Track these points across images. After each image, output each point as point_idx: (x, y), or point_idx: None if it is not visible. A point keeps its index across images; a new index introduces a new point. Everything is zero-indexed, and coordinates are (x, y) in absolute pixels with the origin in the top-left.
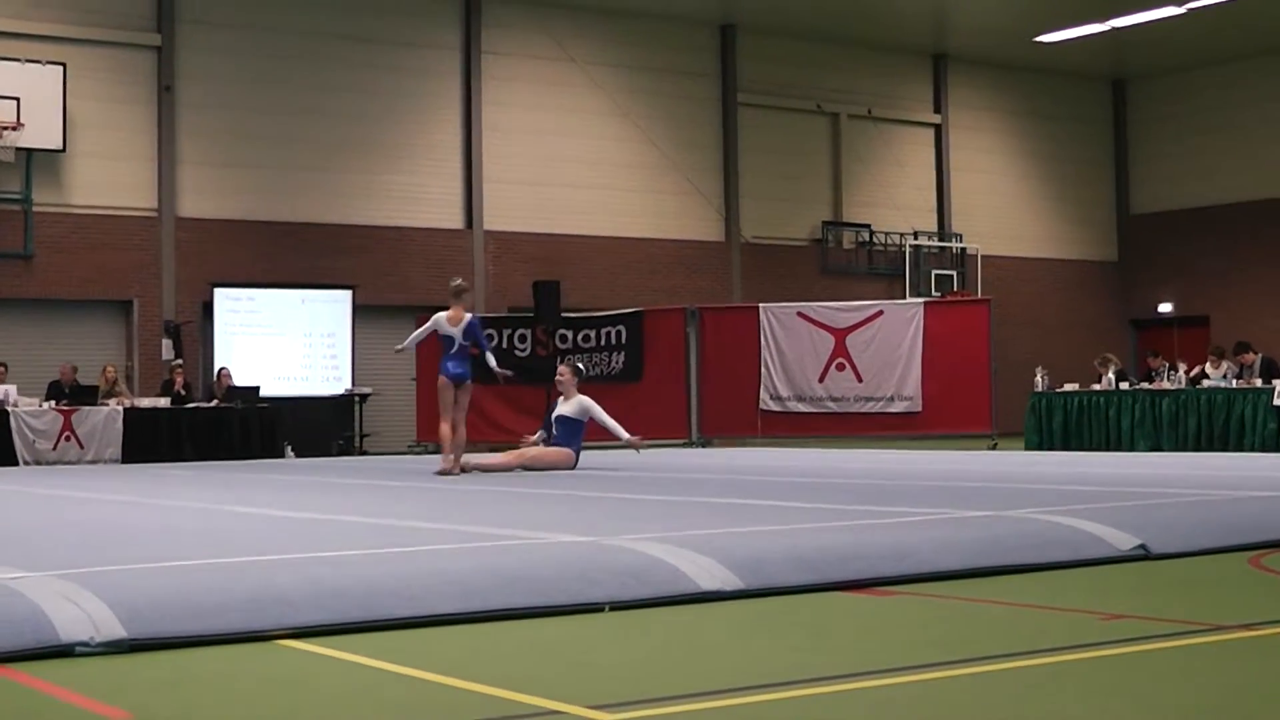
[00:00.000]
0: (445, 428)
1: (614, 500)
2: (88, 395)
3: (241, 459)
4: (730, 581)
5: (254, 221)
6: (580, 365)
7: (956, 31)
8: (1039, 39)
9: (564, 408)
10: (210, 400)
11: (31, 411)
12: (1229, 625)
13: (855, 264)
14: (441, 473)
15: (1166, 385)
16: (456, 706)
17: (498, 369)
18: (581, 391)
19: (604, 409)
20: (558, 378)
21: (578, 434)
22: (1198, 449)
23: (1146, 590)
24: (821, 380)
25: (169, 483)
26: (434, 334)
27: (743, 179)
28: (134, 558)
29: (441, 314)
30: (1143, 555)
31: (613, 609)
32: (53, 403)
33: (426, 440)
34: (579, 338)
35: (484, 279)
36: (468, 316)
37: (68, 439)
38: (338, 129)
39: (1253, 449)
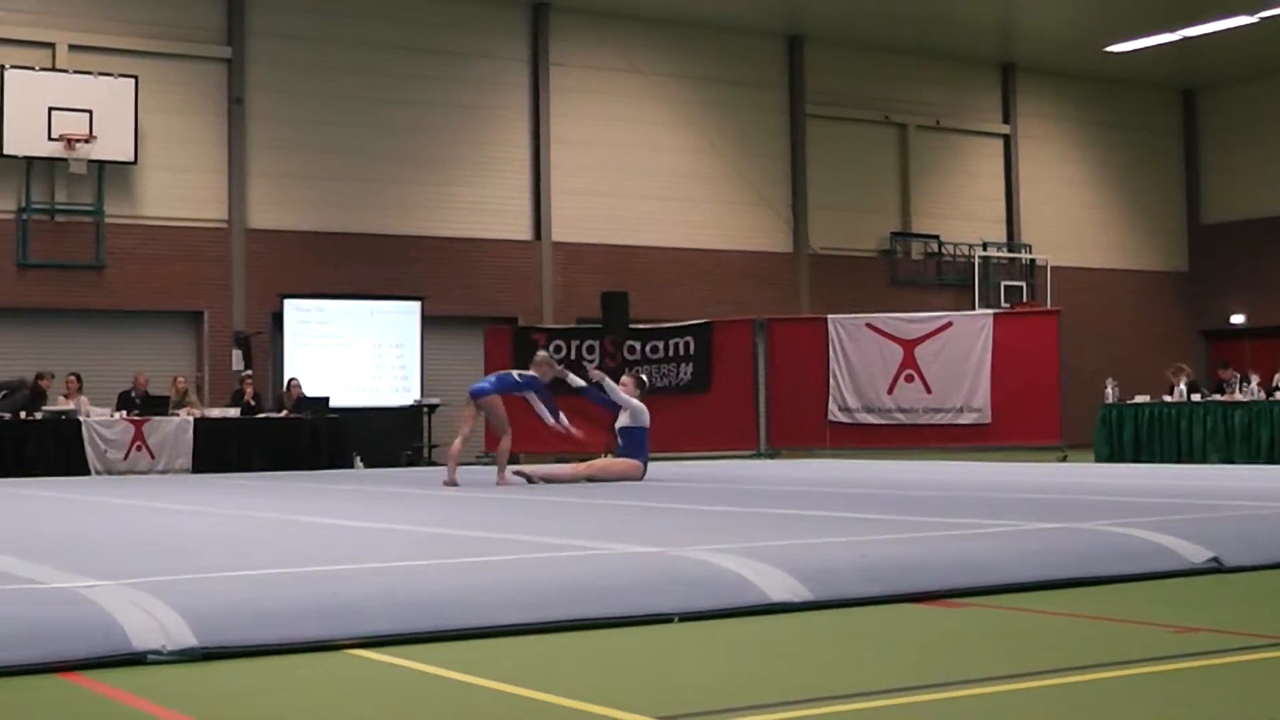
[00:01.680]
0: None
1: (682, 511)
2: (158, 405)
3: (310, 469)
4: (799, 592)
5: (324, 233)
6: (644, 377)
7: (1025, 41)
8: (1109, 49)
9: (622, 418)
10: (280, 411)
11: (103, 421)
12: None
13: (924, 275)
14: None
15: (1239, 397)
16: (526, 716)
17: (576, 381)
18: (650, 403)
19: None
20: (620, 387)
21: (642, 443)
22: (1270, 462)
23: (1219, 603)
24: (890, 391)
25: (239, 492)
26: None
27: (811, 190)
28: (205, 567)
29: None
30: (1215, 568)
31: (682, 619)
32: (124, 413)
33: (494, 451)
34: (647, 349)
35: (552, 290)
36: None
37: (139, 449)
38: (407, 140)
39: None
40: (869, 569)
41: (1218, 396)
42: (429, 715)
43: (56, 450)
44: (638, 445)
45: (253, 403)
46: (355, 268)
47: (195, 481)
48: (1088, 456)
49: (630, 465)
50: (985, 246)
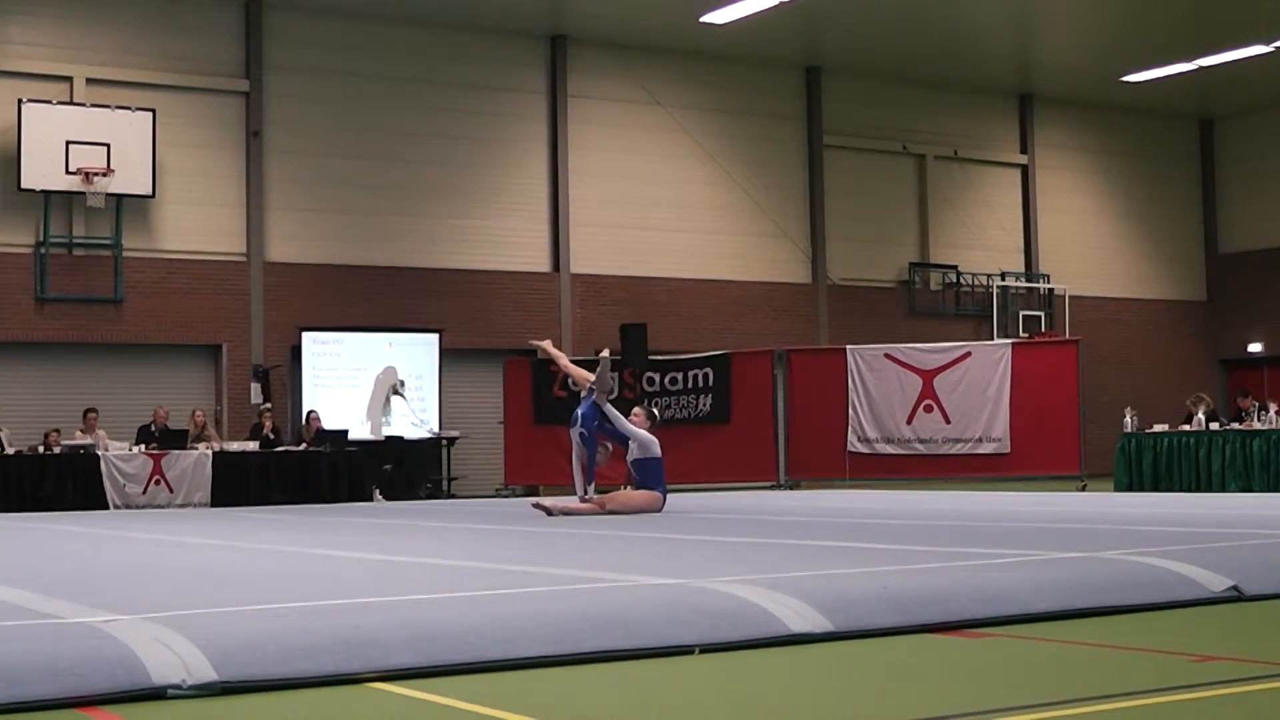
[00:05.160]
0: None
1: (703, 542)
2: (177, 439)
3: (330, 502)
4: (820, 623)
5: (342, 266)
6: (655, 410)
7: (1042, 72)
8: (1125, 79)
9: (633, 450)
10: (299, 444)
11: (121, 455)
12: None
13: (942, 305)
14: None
15: (1257, 425)
16: None
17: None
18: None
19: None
20: (631, 419)
21: (658, 474)
22: None
23: (1239, 632)
24: (909, 422)
25: (258, 526)
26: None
27: (829, 221)
28: (225, 600)
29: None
30: (1235, 597)
31: (703, 651)
32: (142, 446)
33: (514, 483)
34: (666, 380)
35: (571, 322)
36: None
37: (157, 483)
38: (425, 173)
39: None
40: (890, 599)
41: (1236, 425)
42: None
43: (75, 485)
44: (654, 476)
45: (271, 436)
46: (374, 300)
47: (214, 515)
48: (1107, 486)
49: (650, 497)
50: (1003, 276)
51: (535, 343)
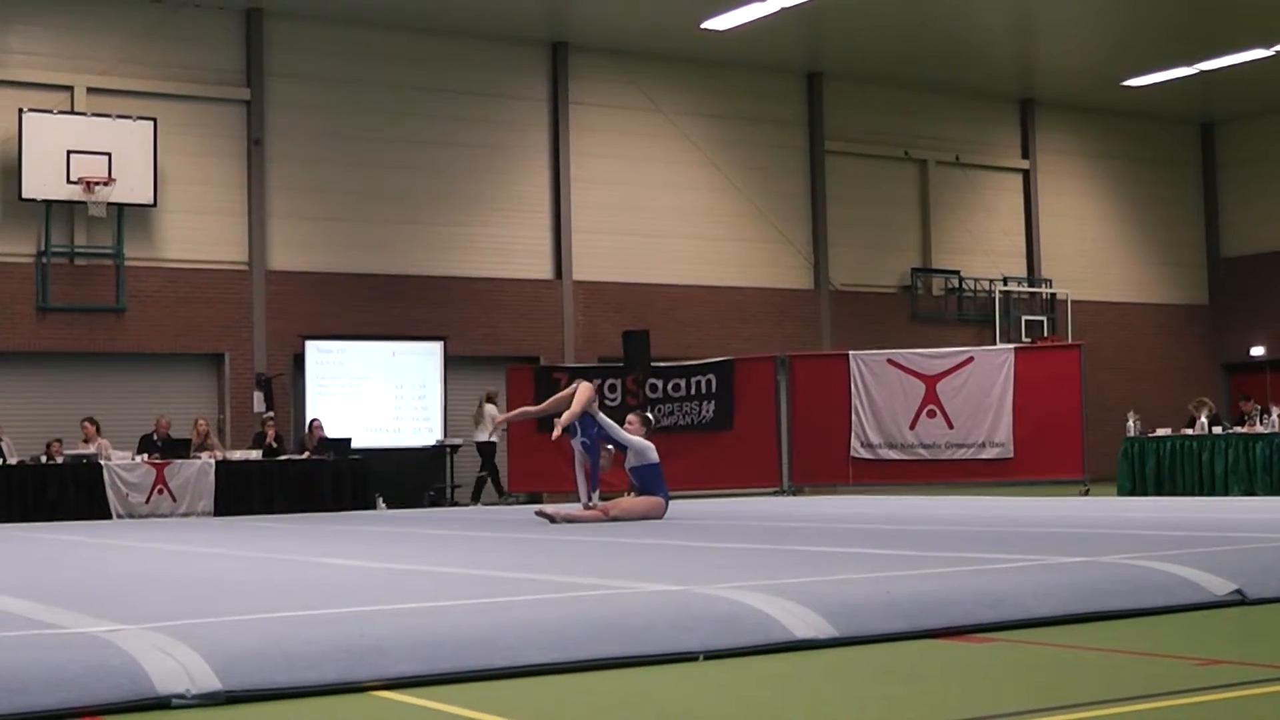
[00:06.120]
0: None
1: (706, 549)
2: (180, 448)
3: (333, 511)
4: (824, 629)
5: (344, 274)
6: (649, 416)
7: (1044, 76)
8: (1126, 83)
9: (630, 458)
10: (302, 452)
11: (124, 465)
12: None
13: (945, 311)
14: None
15: (1260, 429)
16: None
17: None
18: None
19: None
20: (626, 426)
21: (658, 479)
22: None
23: (1243, 636)
24: (912, 427)
25: (262, 535)
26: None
27: (831, 227)
28: (229, 610)
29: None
30: (1239, 600)
31: (707, 658)
32: (145, 456)
33: (517, 491)
34: (669, 387)
35: (573, 329)
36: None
37: (160, 492)
38: (426, 181)
39: None
40: (894, 605)
41: (1239, 429)
42: None
43: (78, 494)
44: (654, 482)
45: (274, 445)
46: (376, 309)
47: (217, 524)
48: (1110, 490)
49: (652, 503)
50: (1005, 281)
51: (498, 423)
